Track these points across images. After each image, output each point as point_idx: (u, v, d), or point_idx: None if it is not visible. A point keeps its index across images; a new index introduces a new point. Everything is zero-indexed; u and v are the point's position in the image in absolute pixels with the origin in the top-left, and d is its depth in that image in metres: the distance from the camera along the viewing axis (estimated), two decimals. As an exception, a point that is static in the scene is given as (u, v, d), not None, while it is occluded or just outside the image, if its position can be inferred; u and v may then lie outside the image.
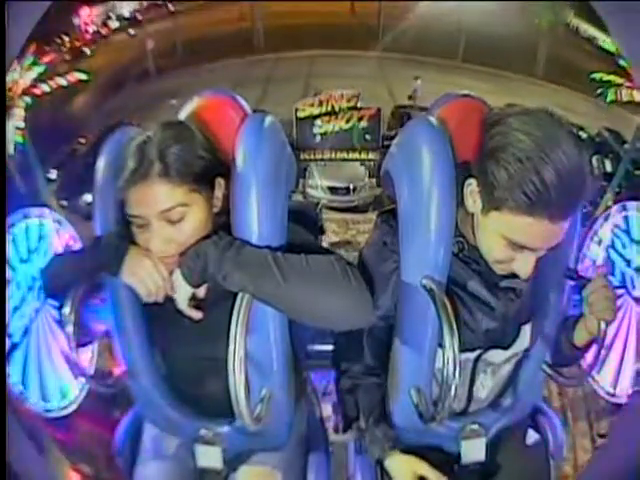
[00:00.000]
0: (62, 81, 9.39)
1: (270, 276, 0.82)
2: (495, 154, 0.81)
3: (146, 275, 0.85)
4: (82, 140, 7.68)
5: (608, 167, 6.41)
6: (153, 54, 10.16)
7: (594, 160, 6.59)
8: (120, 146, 0.89)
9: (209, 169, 0.87)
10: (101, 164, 0.94)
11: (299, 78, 9.83)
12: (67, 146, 7.40)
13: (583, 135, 7.25)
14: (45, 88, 8.97)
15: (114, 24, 11.18)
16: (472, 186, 0.87)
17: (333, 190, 7.13)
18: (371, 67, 10.13)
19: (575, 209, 0.80)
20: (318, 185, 7.10)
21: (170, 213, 0.83)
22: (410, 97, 9.33)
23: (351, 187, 7.14)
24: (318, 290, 0.83)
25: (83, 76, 9.75)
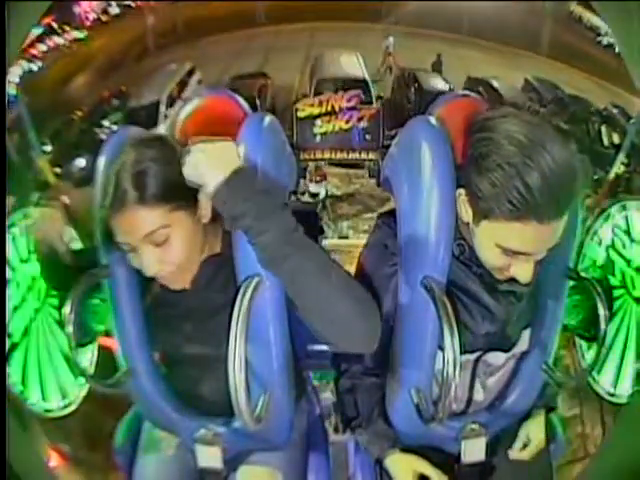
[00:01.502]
0: (59, 40, 9.38)
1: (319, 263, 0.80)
2: (478, 162, 0.80)
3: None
4: (78, 112, 7.65)
5: (616, 139, 6.44)
6: (153, 32, 10.12)
7: (603, 128, 6.61)
8: (118, 147, 0.88)
9: (185, 196, 0.84)
10: (99, 169, 0.92)
11: (300, 48, 9.79)
12: (63, 116, 7.36)
13: (591, 108, 7.25)
14: (42, 48, 8.96)
15: (114, 10, 11.15)
16: (462, 196, 0.86)
17: (335, 140, 7.06)
18: (374, 39, 10.09)
19: (566, 207, 0.78)
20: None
21: (154, 236, 0.82)
22: (389, 54, 9.44)
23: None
24: (353, 306, 0.82)
25: (80, 34, 9.73)
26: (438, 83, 8.34)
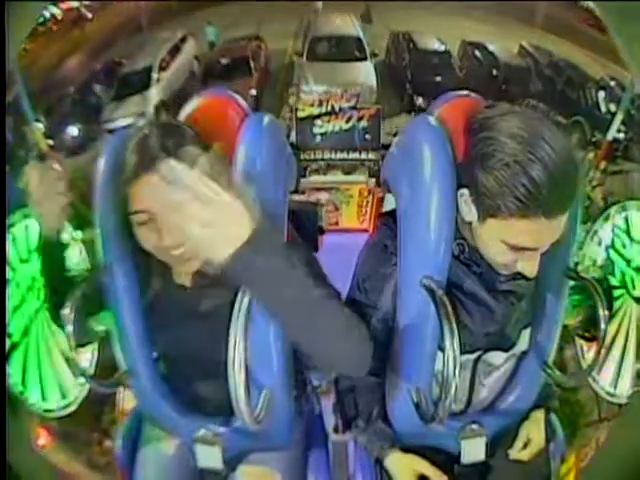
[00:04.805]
0: (55, 10, 9.37)
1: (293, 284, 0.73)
2: (482, 162, 0.81)
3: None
4: (71, 88, 7.65)
5: (613, 108, 6.49)
6: (146, 11, 10.06)
7: (600, 95, 6.65)
8: (119, 145, 0.88)
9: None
10: (101, 166, 0.93)
11: (294, 19, 9.76)
12: (56, 93, 7.36)
13: (587, 76, 7.28)
14: (45, 14, 8.98)
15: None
16: (465, 196, 0.86)
17: (328, 96, 6.98)
18: (369, 10, 9.99)
19: (571, 200, 0.79)
20: (313, 90, 6.83)
21: None
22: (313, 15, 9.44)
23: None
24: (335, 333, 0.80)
25: (76, 3, 9.74)
26: (433, 43, 8.23)
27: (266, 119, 0.94)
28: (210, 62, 7.80)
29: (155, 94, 7.14)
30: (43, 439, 1.40)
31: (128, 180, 0.83)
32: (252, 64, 7.51)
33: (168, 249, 0.86)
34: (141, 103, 6.92)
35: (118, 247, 0.92)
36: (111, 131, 6.26)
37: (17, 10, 0.93)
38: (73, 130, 6.45)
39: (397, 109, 7.29)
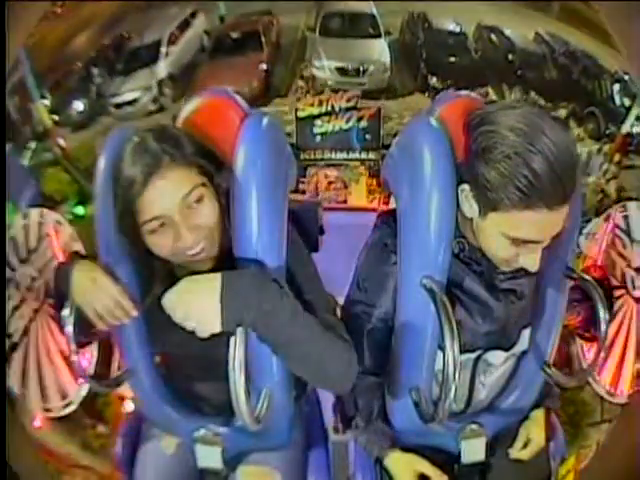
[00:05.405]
0: None
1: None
2: (483, 155, 0.81)
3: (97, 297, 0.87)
4: (79, 63, 7.60)
5: (627, 102, 6.48)
6: None
7: (615, 88, 6.62)
8: (115, 157, 0.86)
9: (206, 157, 0.87)
10: (99, 178, 0.91)
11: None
12: (63, 69, 7.30)
13: (602, 67, 7.24)
14: None
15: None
16: (466, 191, 0.86)
17: (342, 71, 6.75)
18: None
19: (571, 192, 0.79)
20: (325, 66, 6.76)
21: (190, 196, 0.82)
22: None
23: (361, 69, 6.74)
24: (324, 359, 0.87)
25: None
26: (449, 24, 8.05)
27: (266, 119, 0.94)
28: (220, 36, 7.64)
29: (163, 68, 7.07)
30: (39, 421, 1.41)
31: (139, 191, 0.81)
32: (263, 38, 7.36)
33: (186, 249, 0.85)
34: (149, 77, 6.87)
35: (119, 251, 0.92)
36: (118, 105, 6.27)
37: (17, 10, 0.93)
38: (78, 105, 6.41)
39: (410, 88, 7.17)
